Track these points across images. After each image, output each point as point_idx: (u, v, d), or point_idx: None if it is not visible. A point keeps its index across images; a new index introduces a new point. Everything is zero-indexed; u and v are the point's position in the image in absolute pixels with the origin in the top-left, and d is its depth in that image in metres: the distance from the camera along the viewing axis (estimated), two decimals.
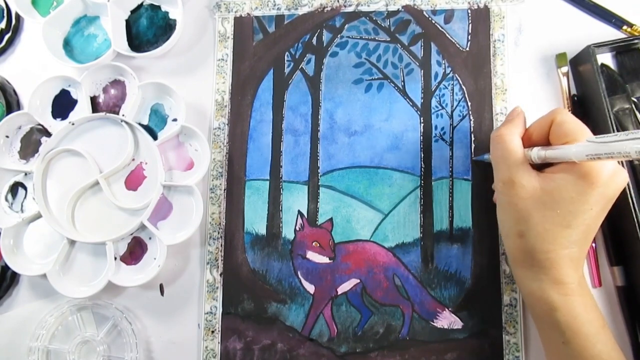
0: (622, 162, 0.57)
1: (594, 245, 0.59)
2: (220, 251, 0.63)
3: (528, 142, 0.52)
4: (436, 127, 0.63)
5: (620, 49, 0.62)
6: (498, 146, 0.52)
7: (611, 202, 0.48)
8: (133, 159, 0.64)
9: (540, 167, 0.51)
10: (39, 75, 0.65)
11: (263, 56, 0.67)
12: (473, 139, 0.63)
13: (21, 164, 0.65)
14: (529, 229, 0.49)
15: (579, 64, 0.62)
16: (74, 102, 0.66)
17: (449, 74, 0.64)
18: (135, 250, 0.63)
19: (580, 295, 0.49)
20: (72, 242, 0.63)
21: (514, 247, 0.52)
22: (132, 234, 0.63)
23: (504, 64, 0.64)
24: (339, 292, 0.61)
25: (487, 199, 0.61)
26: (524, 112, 0.55)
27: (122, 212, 0.63)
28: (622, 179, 0.48)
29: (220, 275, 0.63)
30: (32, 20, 0.68)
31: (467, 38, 0.65)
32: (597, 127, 0.59)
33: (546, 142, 0.51)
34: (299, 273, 0.62)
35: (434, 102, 0.64)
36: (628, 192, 0.55)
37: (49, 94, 0.66)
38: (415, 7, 0.66)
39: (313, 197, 0.63)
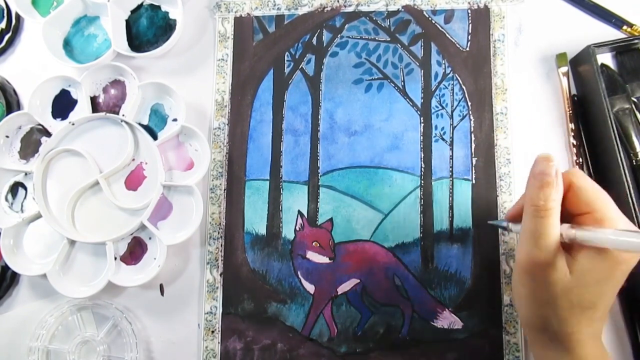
0: None
1: None
2: (220, 251, 0.63)
3: None
4: (436, 127, 0.63)
5: (620, 49, 0.62)
6: (539, 220, 0.45)
7: (624, 278, 0.46)
8: (133, 159, 0.64)
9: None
10: (39, 75, 0.65)
11: (263, 56, 0.67)
12: (473, 138, 0.63)
13: (21, 164, 0.65)
14: (555, 315, 0.46)
15: (579, 64, 0.62)
16: (74, 102, 0.66)
17: (449, 74, 0.64)
18: (135, 250, 0.63)
19: None
20: (72, 242, 0.63)
21: (534, 328, 0.49)
22: (132, 234, 0.63)
23: (504, 64, 0.64)
24: (339, 292, 0.61)
25: (487, 199, 0.61)
26: (559, 169, 0.46)
27: (122, 212, 0.63)
28: (637, 257, 0.45)
29: (220, 275, 0.63)
30: (32, 20, 0.68)
31: (467, 38, 0.65)
32: (597, 127, 0.59)
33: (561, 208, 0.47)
34: (299, 273, 0.62)
35: (434, 102, 0.64)
36: (628, 192, 0.55)
37: (49, 94, 0.66)
38: (415, 7, 0.66)
39: (313, 197, 0.63)
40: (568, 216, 0.47)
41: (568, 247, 0.46)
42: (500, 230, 0.60)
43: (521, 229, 0.47)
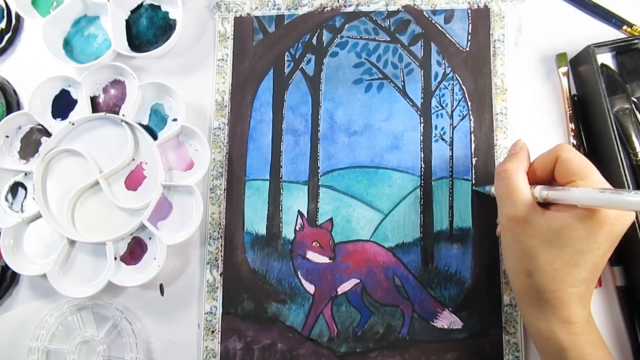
0: None
1: None
2: (220, 251, 0.63)
3: (532, 177, 0.52)
4: (436, 127, 0.63)
5: (620, 49, 0.62)
6: (503, 182, 0.51)
7: (618, 239, 0.47)
8: (133, 159, 0.64)
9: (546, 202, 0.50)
10: (39, 75, 0.65)
11: (263, 56, 0.67)
12: (473, 139, 0.63)
13: (21, 164, 0.65)
14: (537, 268, 0.48)
15: (579, 64, 0.62)
16: (74, 102, 0.66)
17: (449, 74, 0.64)
18: (135, 250, 0.63)
19: (589, 333, 0.48)
20: (72, 242, 0.63)
21: (521, 286, 0.50)
22: (132, 234, 0.63)
23: (504, 64, 0.64)
24: (339, 292, 0.61)
25: (487, 200, 0.61)
26: (527, 145, 0.54)
27: (122, 212, 0.63)
28: (629, 216, 0.47)
29: (220, 275, 0.63)
30: (32, 20, 0.68)
31: (467, 38, 0.65)
32: (597, 127, 0.59)
33: (551, 178, 0.51)
34: (299, 273, 0.62)
35: (434, 102, 0.64)
36: None
37: (49, 94, 0.66)
38: (415, 7, 0.66)
39: (313, 197, 0.63)
40: (558, 186, 0.50)
41: (547, 206, 0.49)
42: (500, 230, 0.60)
43: (492, 190, 0.54)
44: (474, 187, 0.62)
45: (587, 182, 0.47)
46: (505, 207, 0.51)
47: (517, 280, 0.51)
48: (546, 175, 0.51)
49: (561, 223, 0.47)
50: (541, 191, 0.49)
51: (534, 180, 0.52)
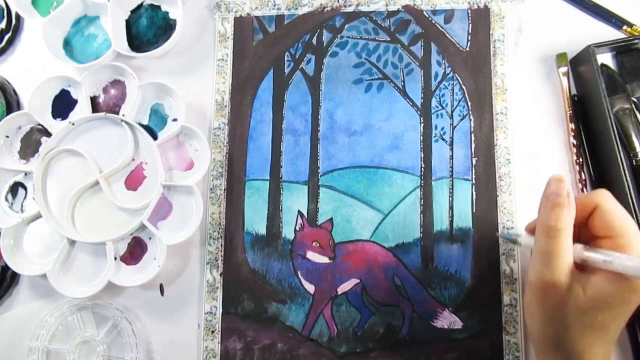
0: None
1: None
2: (220, 251, 0.63)
3: None
4: (436, 127, 0.63)
5: (620, 49, 0.62)
6: (550, 241, 0.45)
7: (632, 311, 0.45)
8: (133, 159, 0.64)
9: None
10: (39, 75, 0.65)
11: (263, 56, 0.67)
12: (473, 138, 0.63)
13: (21, 164, 0.65)
14: (566, 334, 0.46)
15: (579, 64, 0.62)
16: (74, 102, 0.66)
17: (449, 74, 0.64)
18: (135, 250, 0.63)
19: None
20: (72, 242, 0.63)
21: (544, 345, 0.48)
22: (132, 234, 0.63)
23: (504, 64, 0.64)
24: (339, 292, 0.61)
25: (487, 199, 0.61)
26: (570, 188, 0.46)
27: (122, 212, 0.63)
28: None
29: (220, 275, 0.63)
30: (32, 20, 0.68)
31: (467, 38, 0.65)
32: (597, 127, 0.59)
33: (582, 226, 0.48)
34: (299, 273, 0.62)
35: (434, 102, 0.64)
36: (628, 192, 0.55)
37: (49, 94, 0.66)
38: (415, 7, 0.66)
39: (313, 197, 0.63)
40: (590, 237, 0.47)
41: (583, 267, 0.46)
42: (500, 230, 0.60)
43: (533, 249, 0.47)
44: (498, 234, 0.59)
45: (627, 241, 0.44)
46: (544, 268, 0.45)
47: (542, 342, 0.49)
48: (579, 221, 0.47)
49: (597, 290, 0.44)
50: (582, 251, 0.45)
51: None
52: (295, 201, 0.63)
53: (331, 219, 0.63)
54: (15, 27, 0.71)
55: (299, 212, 0.63)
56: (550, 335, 0.47)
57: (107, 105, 0.66)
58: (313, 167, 0.64)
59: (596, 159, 0.61)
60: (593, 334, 0.45)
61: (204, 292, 0.62)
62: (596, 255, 0.44)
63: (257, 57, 0.67)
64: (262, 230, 0.63)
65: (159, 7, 0.68)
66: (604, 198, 0.46)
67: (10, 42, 0.71)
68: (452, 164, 0.62)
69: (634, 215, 0.55)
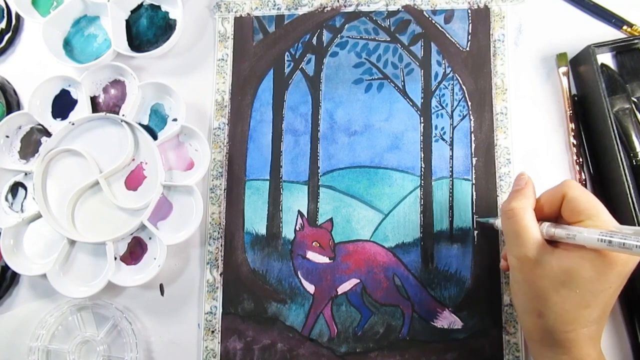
0: None
1: None
2: (220, 251, 0.63)
3: (539, 214, 0.50)
4: (436, 127, 0.63)
5: (620, 49, 0.62)
6: (510, 221, 0.49)
7: (628, 276, 0.46)
8: (133, 159, 0.64)
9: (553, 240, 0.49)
10: (39, 75, 0.65)
11: (263, 56, 0.67)
12: (473, 138, 0.63)
13: (21, 164, 0.65)
14: (548, 309, 0.47)
15: (579, 64, 0.62)
16: (74, 102, 0.66)
17: (449, 73, 0.64)
18: (135, 250, 0.63)
19: None
20: (72, 242, 0.63)
21: (531, 325, 0.49)
22: (132, 234, 0.63)
23: (504, 64, 0.64)
24: (339, 292, 0.61)
25: (487, 199, 0.61)
26: (532, 180, 0.52)
27: (122, 212, 0.63)
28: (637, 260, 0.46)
29: (220, 275, 0.63)
30: (32, 20, 0.68)
31: (467, 38, 0.65)
32: (597, 127, 0.59)
33: (558, 215, 0.50)
34: (299, 273, 0.62)
35: (434, 102, 0.64)
36: (628, 192, 0.55)
37: (49, 94, 0.66)
38: (415, 7, 0.66)
39: (313, 197, 0.63)
40: (566, 224, 0.48)
41: (558, 244, 0.48)
42: (500, 231, 0.60)
43: (503, 234, 0.52)
44: (476, 218, 0.61)
45: (595, 222, 0.46)
46: (514, 247, 0.49)
47: (527, 320, 0.50)
48: (553, 212, 0.50)
49: (571, 264, 0.45)
50: (548, 228, 0.48)
51: (540, 217, 0.50)
52: (295, 201, 0.63)
53: (331, 219, 0.63)
54: (15, 27, 0.71)
55: (299, 212, 0.63)
56: (534, 312, 0.48)
57: (107, 105, 0.66)
58: (313, 167, 0.64)
59: (596, 159, 0.61)
60: (576, 311, 0.46)
61: (204, 292, 0.62)
62: (561, 230, 0.47)
63: (257, 57, 0.67)
64: (262, 230, 0.63)
65: (159, 7, 0.68)
66: (569, 186, 0.49)
67: (10, 42, 0.71)
68: (452, 164, 0.62)
69: (635, 215, 0.55)
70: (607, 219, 0.47)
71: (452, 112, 0.63)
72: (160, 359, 0.63)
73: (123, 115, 0.64)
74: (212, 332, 0.62)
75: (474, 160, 0.62)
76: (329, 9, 0.67)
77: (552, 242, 0.48)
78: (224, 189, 0.64)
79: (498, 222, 0.57)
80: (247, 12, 0.68)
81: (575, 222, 0.47)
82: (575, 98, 0.62)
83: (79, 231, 0.63)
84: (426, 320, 0.60)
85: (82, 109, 0.65)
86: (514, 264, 0.50)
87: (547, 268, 0.47)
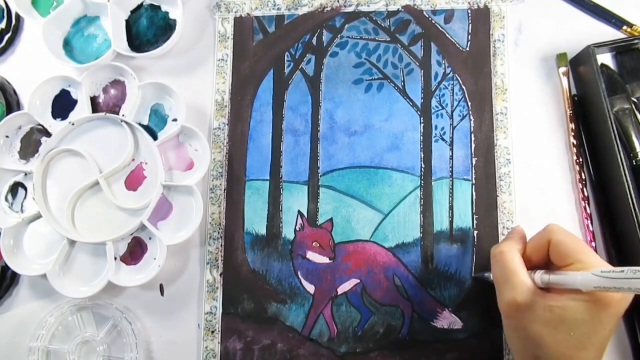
0: None
1: (593, 245, 0.59)
2: (220, 251, 0.63)
3: (529, 262, 0.50)
4: (436, 127, 0.63)
5: (620, 49, 0.62)
6: (499, 265, 0.50)
7: (620, 317, 0.46)
8: (133, 159, 0.64)
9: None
10: (39, 75, 0.65)
11: (263, 56, 0.67)
12: (473, 139, 0.63)
13: (21, 164, 0.65)
14: (543, 353, 0.46)
15: (579, 64, 0.62)
16: (74, 102, 0.66)
17: (449, 74, 0.64)
18: (135, 250, 0.63)
19: None
20: (72, 242, 0.63)
21: None
22: (132, 234, 0.63)
23: (504, 64, 0.64)
24: (339, 292, 0.61)
25: (487, 199, 0.61)
26: (524, 230, 0.53)
27: (122, 212, 0.63)
28: (627, 303, 0.46)
29: (220, 275, 0.63)
30: (32, 20, 0.68)
31: (467, 38, 0.65)
32: (597, 127, 0.59)
33: (547, 261, 0.50)
34: (299, 273, 0.62)
35: (434, 102, 0.64)
36: (628, 192, 0.55)
37: (49, 94, 0.66)
38: (415, 7, 0.66)
39: (313, 197, 0.63)
40: (556, 269, 0.48)
41: (552, 290, 0.48)
42: (500, 230, 0.60)
43: (494, 282, 0.52)
44: (473, 275, 0.60)
45: (585, 264, 0.46)
46: (504, 292, 0.49)
47: None
48: (541, 258, 0.50)
49: (564, 307, 0.45)
50: (542, 276, 0.48)
51: (531, 266, 0.50)
52: (295, 201, 0.63)
53: (331, 219, 0.63)
54: (15, 27, 0.71)
55: (299, 212, 0.63)
56: (531, 358, 0.48)
57: (107, 105, 0.66)
58: (313, 167, 0.64)
59: (596, 159, 0.61)
60: (571, 354, 0.46)
61: (204, 292, 0.62)
62: (555, 276, 0.47)
63: (257, 57, 0.67)
64: (262, 230, 0.63)
65: (159, 7, 0.68)
66: (553, 231, 0.49)
67: (10, 42, 0.71)
68: (452, 164, 0.62)
69: (635, 216, 0.55)
70: (596, 260, 0.46)
71: (452, 112, 0.63)
72: (160, 359, 0.63)
73: (123, 115, 0.64)
74: (212, 332, 0.62)
75: (474, 160, 0.62)
76: (329, 9, 0.67)
77: (544, 289, 0.48)
78: (224, 189, 0.64)
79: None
80: (247, 12, 0.68)
81: (564, 266, 0.47)
82: (575, 98, 0.62)
83: (79, 231, 0.63)
84: (426, 320, 0.60)
85: (82, 109, 0.65)
86: (504, 310, 0.49)
87: (539, 312, 0.46)
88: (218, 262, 0.63)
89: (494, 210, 0.61)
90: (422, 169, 0.63)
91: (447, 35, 0.65)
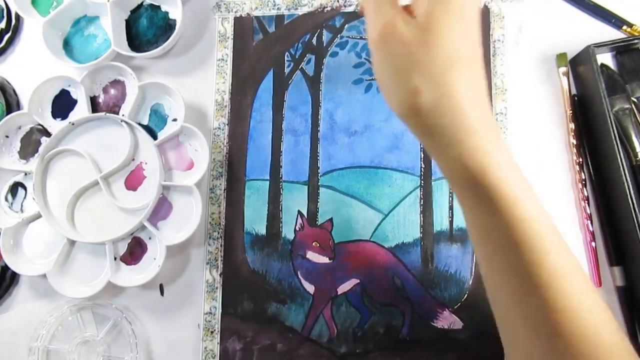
0: None
1: (593, 245, 0.59)
2: (220, 251, 0.63)
3: None
4: None
5: (620, 49, 0.62)
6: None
7: (474, 23, 0.40)
8: (133, 159, 0.64)
9: None
10: (39, 75, 0.65)
11: (263, 56, 0.67)
12: None
13: (21, 164, 0.65)
14: (425, 80, 0.40)
15: (579, 64, 0.62)
16: (74, 102, 0.66)
17: None
18: (135, 250, 0.63)
19: (503, 150, 0.40)
20: (72, 242, 0.63)
21: (413, 112, 0.41)
22: (132, 234, 0.63)
23: (504, 64, 0.64)
24: (339, 292, 0.61)
25: None
26: None
27: (122, 212, 0.63)
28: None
29: (220, 275, 0.63)
30: (32, 20, 0.68)
31: None
32: (597, 127, 0.59)
33: None
34: (298, 273, 0.62)
35: None
36: (628, 192, 0.55)
37: (49, 94, 0.66)
38: None
39: (313, 197, 0.63)
40: None
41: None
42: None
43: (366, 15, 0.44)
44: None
45: None
46: (375, 17, 0.42)
47: (408, 108, 0.42)
48: None
49: (421, 13, 0.40)
50: None
51: None
52: (295, 201, 0.63)
53: (331, 219, 0.63)
54: (15, 27, 0.71)
55: (299, 212, 0.63)
56: (413, 92, 0.40)
57: (107, 105, 0.66)
58: (313, 167, 0.64)
59: (596, 159, 0.61)
60: (447, 68, 0.40)
61: (204, 292, 0.62)
62: None
63: (257, 57, 0.67)
64: (262, 230, 0.63)
65: (159, 7, 0.68)
66: None
67: (10, 42, 0.71)
68: None
69: (635, 216, 0.55)
70: None
71: None
72: (160, 359, 0.63)
73: (123, 115, 0.64)
74: (212, 332, 0.62)
75: None
76: (329, 9, 0.67)
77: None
78: (224, 189, 0.64)
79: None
80: (247, 12, 0.68)
81: None
82: (575, 98, 0.62)
83: (79, 231, 0.63)
84: (426, 320, 0.60)
85: (82, 109, 0.65)
86: (376, 40, 0.42)
87: (405, 27, 0.40)
88: (218, 262, 0.63)
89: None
90: (422, 169, 0.63)
91: None
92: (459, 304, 0.60)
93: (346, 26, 0.67)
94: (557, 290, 0.40)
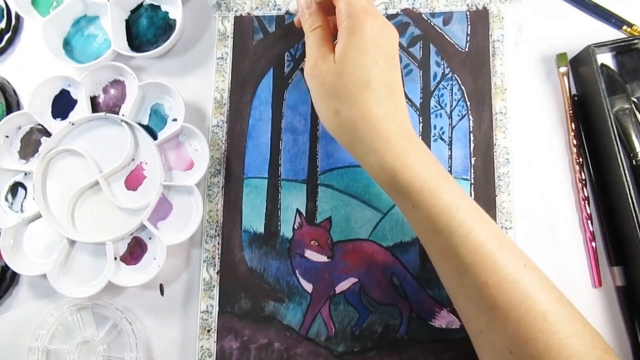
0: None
1: (593, 245, 0.59)
2: (218, 249, 0.63)
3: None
4: (435, 127, 0.63)
5: (620, 49, 0.62)
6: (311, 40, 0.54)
7: (392, 57, 0.51)
8: (133, 159, 0.64)
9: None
10: (39, 75, 0.65)
11: (263, 56, 0.67)
12: (472, 138, 0.62)
13: (21, 164, 0.65)
14: (341, 102, 0.50)
15: (579, 64, 0.62)
16: (74, 102, 0.66)
17: (448, 74, 0.64)
18: (135, 250, 0.63)
19: (415, 153, 0.49)
20: (72, 242, 0.63)
21: (336, 129, 0.52)
22: (132, 234, 0.63)
23: (503, 64, 0.64)
24: (337, 291, 0.61)
25: (486, 199, 0.61)
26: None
27: (122, 212, 0.63)
28: (390, 33, 0.51)
29: (217, 273, 0.63)
30: (32, 20, 0.68)
31: (466, 39, 0.65)
32: (597, 127, 0.59)
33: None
34: (297, 272, 0.62)
35: (432, 102, 0.64)
36: (628, 192, 0.55)
37: (49, 94, 0.66)
38: (415, 10, 0.66)
39: (312, 196, 0.63)
40: None
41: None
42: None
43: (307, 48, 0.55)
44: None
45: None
46: (310, 54, 0.53)
47: (332, 125, 0.52)
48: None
49: (340, 52, 0.50)
50: None
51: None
52: (293, 200, 0.63)
53: (330, 218, 0.63)
54: (15, 27, 0.71)
55: (298, 211, 0.63)
56: (333, 113, 0.51)
57: (107, 105, 0.66)
58: (312, 166, 0.64)
59: (596, 159, 0.61)
60: (362, 96, 0.49)
61: (200, 291, 0.62)
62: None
63: (256, 56, 0.67)
64: (260, 228, 0.63)
65: (159, 7, 0.68)
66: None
67: (10, 42, 0.71)
68: (451, 164, 0.62)
69: (635, 216, 0.55)
70: None
71: (451, 112, 0.63)
72: (160, 359, 0.63)
73: (123, 115, 0.64)
74: (208, 331, 0.62)
75: (473, 160, 0.62)
76: None
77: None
78: (222, 187, 0.64)
79: (293, 6, 0.62)
80: (247, 11, 0.68)
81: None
82: (575, 98, 0.62)
83: (79, 231, 0.63)
84: (424, 319, 0.60)
85: (82, 109, 0.65)
86: (309, 71, 0.53)
87: (330, 62, 0.51)
88: (215, 260, 0.63)
89: (493, 210, 0.61)
90: None
91: (446, 36, 0.65)
92: None
93: None
94: (485, 267, 0.45)
